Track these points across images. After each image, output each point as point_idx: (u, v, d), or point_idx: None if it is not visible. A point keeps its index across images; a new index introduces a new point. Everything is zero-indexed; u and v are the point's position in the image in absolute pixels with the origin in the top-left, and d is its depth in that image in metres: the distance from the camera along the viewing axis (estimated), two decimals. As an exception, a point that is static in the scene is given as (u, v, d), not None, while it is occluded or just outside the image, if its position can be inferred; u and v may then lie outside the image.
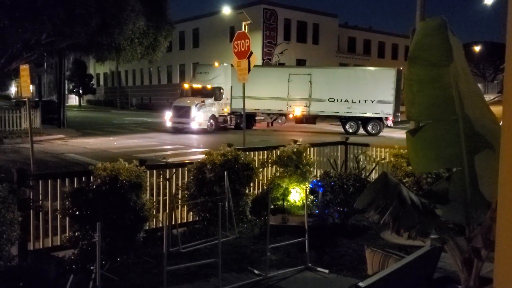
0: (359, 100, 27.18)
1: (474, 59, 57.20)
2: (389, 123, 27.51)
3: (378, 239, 6.38)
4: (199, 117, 25.83)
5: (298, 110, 28.19)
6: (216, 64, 29.57)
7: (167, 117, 26.84)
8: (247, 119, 27.04)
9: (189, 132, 25.19)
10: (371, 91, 27.04)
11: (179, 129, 25.88)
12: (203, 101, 26.23)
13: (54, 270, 5.15)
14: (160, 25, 24.67)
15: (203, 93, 27.08)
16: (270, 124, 30.00)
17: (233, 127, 28.45)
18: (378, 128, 27.46)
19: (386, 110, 27.04)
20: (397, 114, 27.52)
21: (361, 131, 27.54)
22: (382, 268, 3.83)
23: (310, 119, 29.02)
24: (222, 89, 27.76)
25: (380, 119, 27.41)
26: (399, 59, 59.67)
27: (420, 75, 3.16)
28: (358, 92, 27.11)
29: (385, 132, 27.44)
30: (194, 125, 25.70)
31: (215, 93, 27.18)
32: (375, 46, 59.17)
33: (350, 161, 9.55)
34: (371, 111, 27.25)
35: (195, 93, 27.29)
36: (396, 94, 26.96)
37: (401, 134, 25.20)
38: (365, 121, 27.55)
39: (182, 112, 25.92)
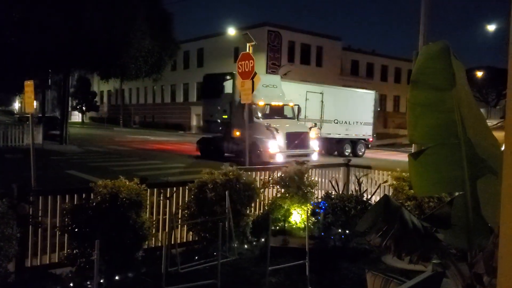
0: (353, 122, 27.79)
1: (477, 84, 57.43)
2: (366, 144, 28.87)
3: (379, 263, 6.31)
4: (316, 144, 20.25)
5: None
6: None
7: (274, 147, 18.62)
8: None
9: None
10: (360, 112, 27.94)
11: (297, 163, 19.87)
12: (314, 125, 21.01)
13: (51, 288, 5.10)
14: (165, 44, 24.99)
15: (282, 113, 20.66)
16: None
17: None
18: (364, 149, 28.34)
19: (368, 131, 28.33)
20: (374, 135, 29.13)
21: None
22: (383, 292, 3.76)
23: None
24: (300, 107, 21.42)
25: (364, 140, 28.41)
26: (402, 82, 59.97)
27: (423, 99, 3.16)
28: (352, 114, 27.67)
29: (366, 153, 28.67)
30: (314, 156, 19.44)
31: (296, 113, 20.91)
32: (378, 70, 59.57)
33: (352, 183, 9.52)
34: (359, 132, 28.06)
35: (273, 113, 20.23)
36: (374, 116, 28.51)
37: (380, 155, 26.19)
38: (353, 142, 28.01)
39: (300, 141, 19.22)
